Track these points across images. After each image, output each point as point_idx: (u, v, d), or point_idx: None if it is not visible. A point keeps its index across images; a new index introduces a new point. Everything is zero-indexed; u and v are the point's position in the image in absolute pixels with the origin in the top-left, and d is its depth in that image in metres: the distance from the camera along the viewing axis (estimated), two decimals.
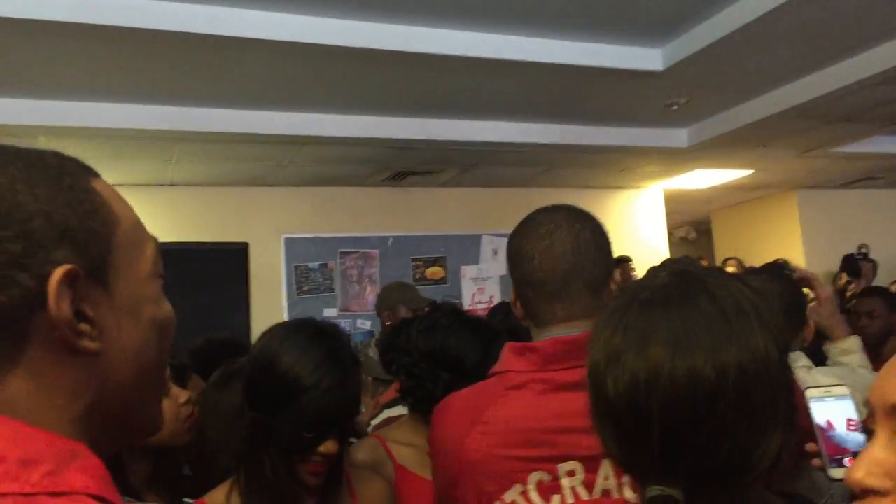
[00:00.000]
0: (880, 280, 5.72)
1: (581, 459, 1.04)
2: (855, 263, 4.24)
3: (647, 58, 3.60)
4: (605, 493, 1.04)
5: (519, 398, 1.09)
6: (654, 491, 0.71)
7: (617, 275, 1.29)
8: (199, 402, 1.74)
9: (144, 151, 4.20)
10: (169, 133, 3.85)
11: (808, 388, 1.01)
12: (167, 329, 0.63)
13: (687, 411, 0.69)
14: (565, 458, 1.04)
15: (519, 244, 1.20)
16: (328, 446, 1.21)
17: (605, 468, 1.04)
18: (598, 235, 1.20)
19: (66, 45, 2.91)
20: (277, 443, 1.20)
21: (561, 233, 1.16)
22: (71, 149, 2.80)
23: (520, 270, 1.19)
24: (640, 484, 0.74)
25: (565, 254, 1.14)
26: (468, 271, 5.81)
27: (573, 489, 1.04)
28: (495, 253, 5.89)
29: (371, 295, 5.26)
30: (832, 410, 0.97)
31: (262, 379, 1.23)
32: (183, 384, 1.83)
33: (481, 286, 5.82)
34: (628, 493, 1.03)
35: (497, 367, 1.18)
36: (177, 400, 1.51)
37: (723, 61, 3.54)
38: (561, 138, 4.62)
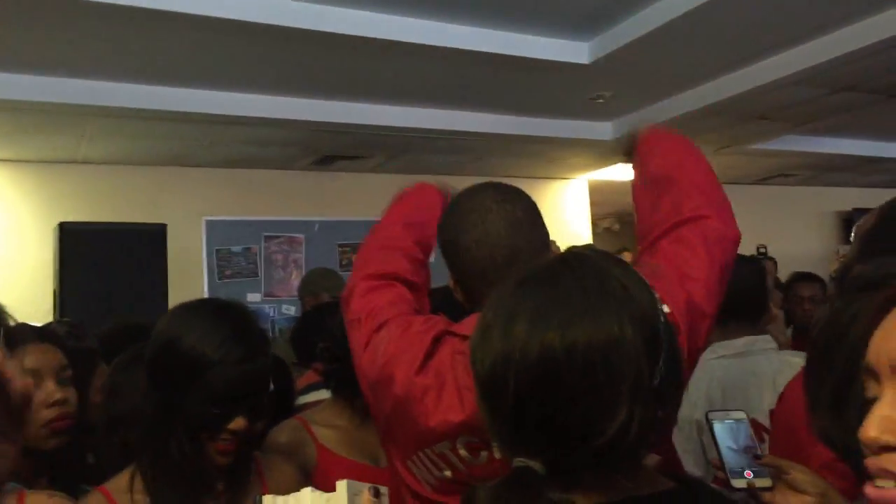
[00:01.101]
0: (780, 275, 5.96)
1: None
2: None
3: (574, 50, 3.65)
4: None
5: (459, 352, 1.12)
6: (518, 463, 0.75)
7: (554, 246, 1.30)
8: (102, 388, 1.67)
9: (54, 126, 3.99)
10: (81, 108, 3.67)
11: (710, 411, 1.16)
12: None
13: (537, 385, 0.73)
14: None
15: (452, 236, 1.18)
16: (237, 423, 1.18)
17: None
18: (528, 212, 1.19)
19: None
20: (184, 421, 1.16)
21: (493, 217, 1.14)
22: None
23: (458, 261, 1.18)
24: (508, 457, 0.78)
25: (500, 239, 1.13)
26: None
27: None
28: None
29: (296, 280, 5.17)
30: (732, 431, 1.12)
31: (165, 358, 1.20)
32: (91, 371, 1.75)
33: None
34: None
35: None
36: (43, 400, 1.38)
37: (647, 57, 3.62)
38: (490, 127, 4.65)
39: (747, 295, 1.90)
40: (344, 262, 5.53)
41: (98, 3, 2.70)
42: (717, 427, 1.12)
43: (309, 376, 2.66)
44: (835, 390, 0.83)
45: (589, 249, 0.85)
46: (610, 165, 6.02)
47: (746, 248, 6.23)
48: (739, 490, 1.05)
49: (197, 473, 1.19)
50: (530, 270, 0.81)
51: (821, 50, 3.57)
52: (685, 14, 3.10)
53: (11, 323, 1.25)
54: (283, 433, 1.58)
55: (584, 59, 3.67)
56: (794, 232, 7.24)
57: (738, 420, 1.13)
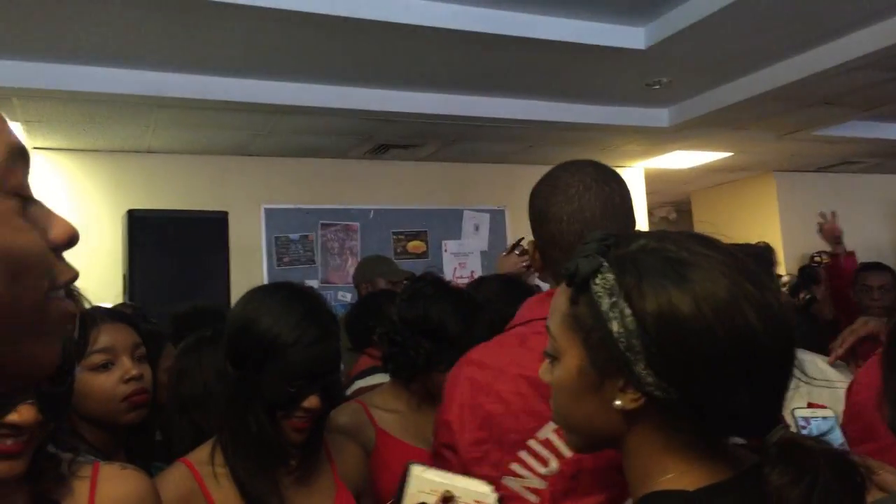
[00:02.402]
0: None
1: None
2: (812, 272, 4.38)
3: (629, 36, 3.61)
4: None
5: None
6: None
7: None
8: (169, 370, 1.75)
9: (122, 117, 4.15)
10: (147, 99, 3.80)
11: (796, 408, 1.11)
12: (21, 263, 0.49)
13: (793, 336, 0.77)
14: None
15: (545, 204, 1.17)
16: (311, 401, 1.24)
17: None
18: (624, 198, 1.19)
19: (43, 5, 2.86)
20: (262, 399, 1.23)
21: (590, 196, 1.14)
22: (46, 112, 2.80)
23: (546, 230, 1.17)
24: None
25: (594, 218, 1.13)
26: (450, 246, 5.84)
27: None
28: (476, 228, 5.91)
29: (352, 267, 5.26)
30: (820, 429, 1.08)
31: (243, 339, 1.26)
32: (158, 352, 1.83)
33: (463, 261, 5.85)
34: None
35: (519, 318, 1.20)
36: (120, 376, 1.44)
37: (705, 42, 3.55)
38: (543, 115, 4.62)
39: None
40: (398, 250, 5.61)
41: None
42: (804, 425, 1.09)
43: (364, 361, 2.74)
44: None
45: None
46: (666, 153, 5.92)
47: (814, 243, 5.98)
48: None
49: (273, 448, 1.26)
50: (683, 246, 0.77)
51: (888, 32, 3.44)
52: None
53: (87, 305, 1.32)
54: (343, 415, 1.62)
55: (639, 44, 3.62)
56: (859, 221, 6.99)
57: (825, 418, 1.10)
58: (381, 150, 5.34)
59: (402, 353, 1.61)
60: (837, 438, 1.08)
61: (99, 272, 4.45)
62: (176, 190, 4.91)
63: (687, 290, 0.72)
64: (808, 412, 1.11)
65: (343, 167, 5.51)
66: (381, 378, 2.26)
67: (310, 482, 1.33)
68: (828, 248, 4.58)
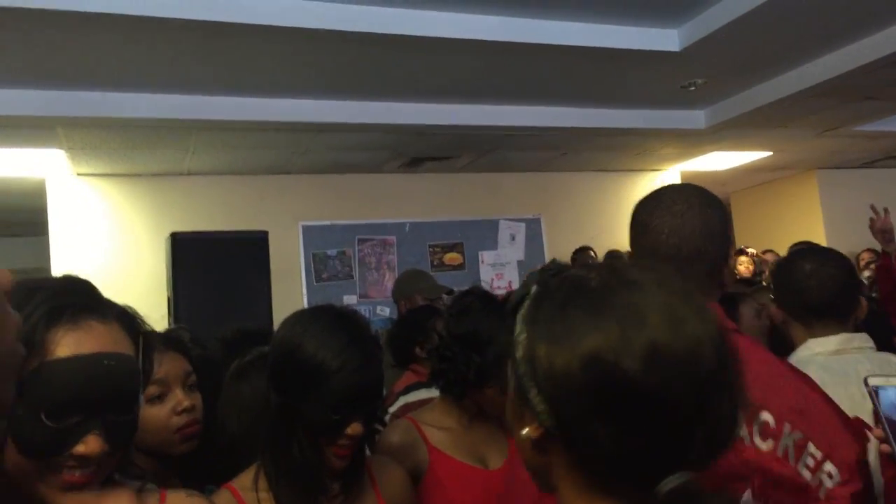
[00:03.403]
0: None
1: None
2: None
3: (663, 38, 3.57)
4: (738, 440, 1.08)
5: None
6: (673, 482, 0.66)
7: (732, 262, 1.35)
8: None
9: (162, 141, 4.24)
10: (187, 122, 3.88)
11: (868, 376, 1.06)
12: None
13: (708, 379, 0.69)
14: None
15: (648, 217, 1.24)
16: (354, 428, 1.23)
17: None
18: (724, 224, 1.25)
19: (82, 34, 2.93)
20: (305, 426, 1.22)
21: (693, 214, 1.21)
22: (89, 139, 2.86)
23: (645, 240, 1.24)
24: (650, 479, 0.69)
25: (694, 235, 1.19)
26: (486, 256, 5.82)
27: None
28: (513, 238, 5.89)
29: (390, 281, 5.28)
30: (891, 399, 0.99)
31: (287, 365, 1.25)
32: (211, 380, 1.82)
33: (499, 271, 5.83)
34: (757, 441, 1.08)
35: None
36: (173, 407, 1.45)
37: (740, 41, 3.50)
38: (578, 121, 4.59)
39: (834, 292, 1.82)
40: (435, 262, 5.62)
41: (199, 21, 2.84)
42: (882, 394, 1.00)
43: (408, 377, 2.73)
44: None
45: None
46: (703, 155, 5.84)
47: (859, 242, 5.87)
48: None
49: (316, 474, 1.25)
50: (610, 276, 0.73)
51: None
52: None
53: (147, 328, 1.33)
54: (394, 433, 1.60)
55: (674, 46, 3.58)
56: None
57: None
58: (415, 164, 5.37)
59: (452, 368, 1.59)
60: None
61: (144, 295, 4.53)
62: (216, 211, 4.99)
63: (585, 332, 0.68)
64: (881, 380, 1.03)
65: (378, 182, 5.55)
66: (426, 393, 2.25)
67: None
68: (875, 246, 4.45)
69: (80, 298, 0.90)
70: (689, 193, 1.25)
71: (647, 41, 3.54)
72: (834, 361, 1.82)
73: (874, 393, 1.02)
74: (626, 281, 0.72)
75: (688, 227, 1.20)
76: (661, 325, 0.67)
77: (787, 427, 1.09)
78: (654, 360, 0.66)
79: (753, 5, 3.09)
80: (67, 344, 0.85)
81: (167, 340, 1.54)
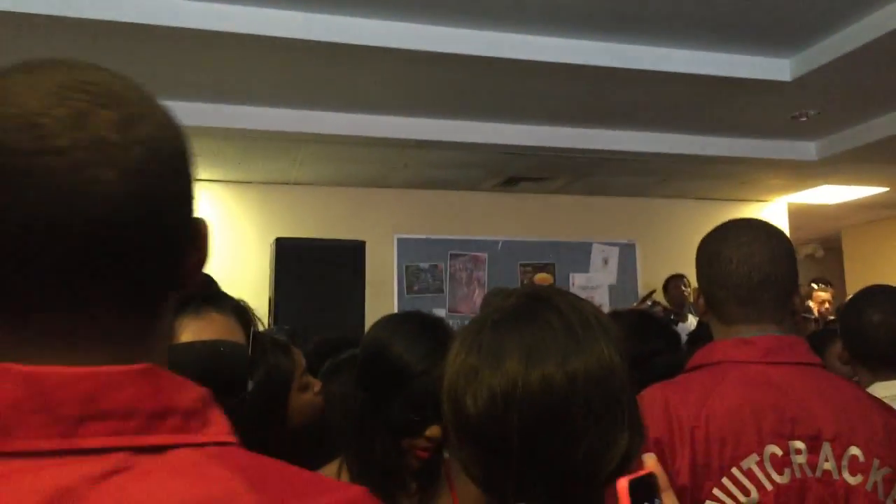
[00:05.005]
0: None
1: (805, 440, 1.12)
2: None
3: (775, 68, 3.48)
4: (826, 473, 1.11)
5: (745, 380, 1.18)
6: None
7: (801, 290, 1.40)
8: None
9: (273, 151, 4.48)
10: (297, 135, 4.09)
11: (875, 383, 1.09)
12: None
13: (542, 418, 0.73)
14: (793, 437, 1.13)
15: (718, 247, 1.29)
16: (433, 430, 1.27)
17: (826, 450, 1.12)
18: (790, 254, 1.29)
19: (204, 52, 3.16)
20: (388, 424, 1.28)
21: (760, 244, 1.26)
22: (205, 147, 3.07)
23: (714, 271, 1.28)
24: None
25: (762, 264, 1.24)
26: (577, 279, 5.78)
27: (800, 466, 1.12)
28: (605, 262, 5.83)
29: (479, 297, 5.34)
30: None
31: (374, 364, 1.32)
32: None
33: (590, 294, 5.77)
34: (846, 475, 1.10)
35: (705, 359, 1.26)
36: (314, 389, 1.59)
37: (856, 73, 3.36)
38: (681, 148, 4.52)
39: None
40: (525, 282, 5.63)
41: (310, 41, 3.02)
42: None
43: None
44: None
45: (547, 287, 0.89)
46: (812, 188, 5.60)
47: None
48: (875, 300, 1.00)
49: (396, 472, 1.30)
50: (502, 311, 0.82)
51: None
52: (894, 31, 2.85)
53: (261, 327, 1.44)
54: None
55: (785, 76, 3.48)
56: None
57: None
58: (511, 183, 5.41)
59: None
60: None
61: (248, 294, 4.68)
62: (318, 219, 5.21)
63: (449, 361, 0.81)
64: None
65: (473, 199, 5.63)
66: None
67: None
68: None
69: (202, 290, 1.01)
70: (755, 225, 1.31)
71: (758, 70, 3.47)
72: None
73: None
74: (489, 324, 0.81)
75: (757, 255, 1.24)
76: (507, 372, 0.76)
77: (876, 462, 1.11)
78: (488, 401, 0.75)
79: (869, 38, 2.98)
80: (192, 331, 0.95)
81: (275, 341, 1.65)
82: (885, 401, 1.72)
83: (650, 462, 0.68)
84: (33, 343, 0.47)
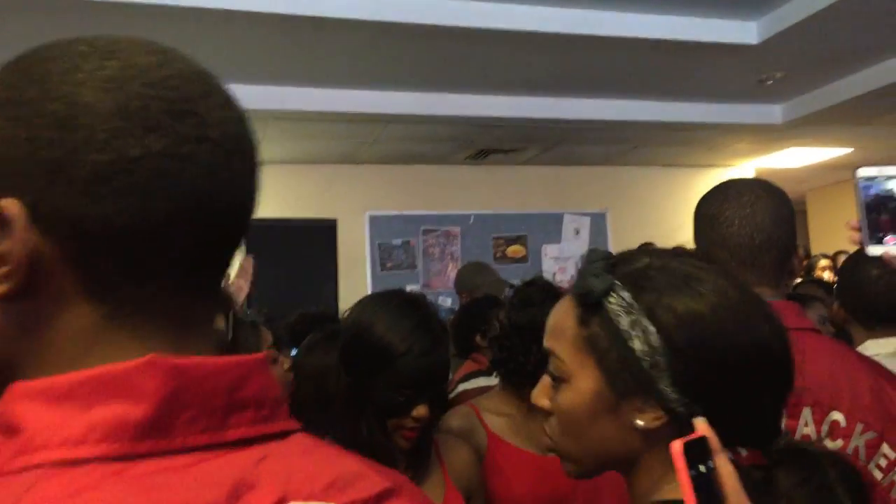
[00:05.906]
0: None
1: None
2: None
3: (741, 31, 3.48)
4: (805, 437, 1.09)
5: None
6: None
7: (800, 251, 1.37)
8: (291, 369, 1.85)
9: None
10: (262, 112, 4.00)
11: (859, 167, 1.05)
12: None
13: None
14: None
15: (718, 208, 1.26)
16: (420, 410, 1.26)
17: (805, 415, 1.11)
18: (791, 214, 1.27)
19: (164, 27, 3.06)
20: (373, 406, 1.26)
21: (762, 204, 1.22)
22: None
23: (715, 233, 1.25)
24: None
25: (764, 224, 1.21)
26: (549, 250, 5.80)
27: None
28: (577, 232, 5.85)
29: (452, 272, 5.33)
30: (881, 190, 1.00)
31: (356, 346, 1.30)
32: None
33: (562, 265, 5.80)
34: (826, 440, 1.09)
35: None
36: (282, 366, 1.63)
37: (822, 34, 3.38)
38: (650, 115, 4.53)
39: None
40: (497, 255, 5.63)
41: (272, 13, 2.93)
42: (864, 185, 1.00)
43: (468, 366, 2.78)
44: None
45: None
46: (779, 151, 5.66)
47: None
48: (874, 258, 0.99)
49: (383, 453, 1.28)
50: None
51: None
52: None
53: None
54: (455, 419, 1.63)
55: (752, 39, 3.49)
56: None
57: (890, 177, 1.00)
58: (481, 156, 5.38)
59: (511, 358, 1.61)
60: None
61: None
62: (288, 198, 5.13)
63: (705, 303, 0.74)
64: (871, 171, 1.01)
65: (444, 173, 5.60)
66: (485, 381, 2.27)
67: (419, 485, 1.36)
68: None
69: None
70: (755, 185, 1.27)
71: (725, 33, 3.46)
72: (891, 363, 1.79)
73: (856, 184, 1.01)
74: (700, 267, 0.79)
75: (759, 216, 1.21)
76: (757, 299, 0.78)
77: (859, 427, 1.09)
78: (772, 322, 0.76)
79: None
80: None
81: (255, 320, 1.66)
82: (877, 359, 1.75)
83: (702, 425, 0.67)
84: (157, 331, 0.48)
